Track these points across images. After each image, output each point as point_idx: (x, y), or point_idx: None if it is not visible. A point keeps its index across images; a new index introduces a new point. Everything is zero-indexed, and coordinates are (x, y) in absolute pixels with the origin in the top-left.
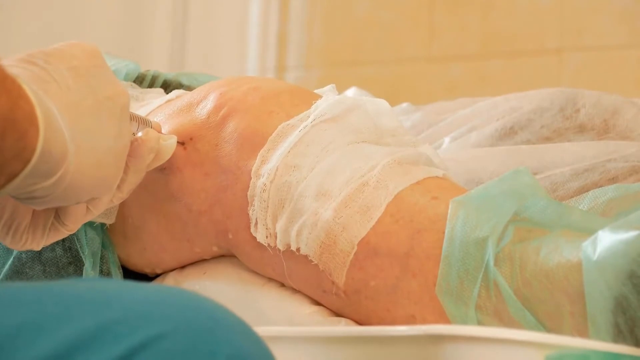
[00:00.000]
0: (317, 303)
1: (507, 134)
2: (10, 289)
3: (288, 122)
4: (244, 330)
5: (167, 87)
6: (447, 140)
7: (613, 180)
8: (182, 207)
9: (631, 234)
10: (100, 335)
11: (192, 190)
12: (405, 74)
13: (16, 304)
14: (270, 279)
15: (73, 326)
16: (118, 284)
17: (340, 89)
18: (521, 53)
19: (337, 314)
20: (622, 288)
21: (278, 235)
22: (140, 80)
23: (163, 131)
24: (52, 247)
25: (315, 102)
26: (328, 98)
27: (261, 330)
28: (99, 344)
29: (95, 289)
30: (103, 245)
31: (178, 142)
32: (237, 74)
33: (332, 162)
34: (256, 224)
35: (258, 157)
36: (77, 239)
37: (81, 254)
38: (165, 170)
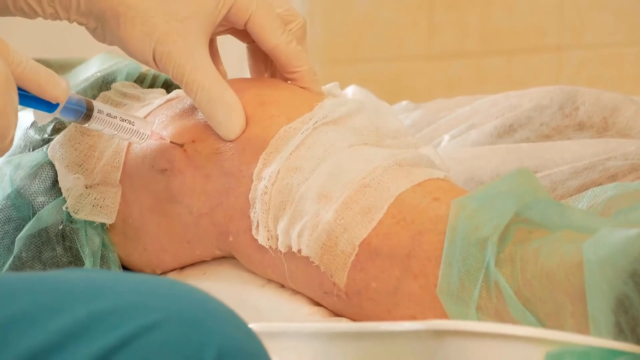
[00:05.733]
0: (318, 304)
1: (507, 132)
2: (2, 279)
3: (290, 125)
4: (235, 322)
5: (168, 86)
6: (446, 137)
7: (612, 178)
8: (183, 208)
9: (633, 231)
10: (92, 325)
11: (193, 192)
12: (405, 71)
13: (8, 295)
14: (270, 280)
15: (65, 316)
16: (110, 274)
17: (341, 87)
18: (521, 50)
19: (338, 316)
20: (624, 287)
21: (279, 237)
22: (141, 80)
23: (164, 134)
24: (52, 246)
25: (316, 105)
26: (330, 100)
27: (262, 326)
28: (90, 334)
29: (87, 279)
30: (103, 245)
31: (177, 144)
32: (237, 72)
33: (334, 164)
34: (257, 226)
35: (260, 159)
36: (77, 239)
37: (81, 254)
38: (166, 171)
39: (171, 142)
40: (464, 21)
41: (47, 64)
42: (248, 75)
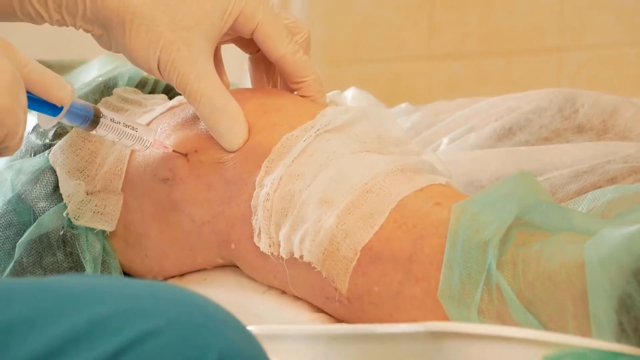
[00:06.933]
0: (319, 310)
1: (506, 135)
2: (2, 284)
3: (292, 132)
4: (236, 325)
5: (169, 91)
6: (445, 140)
7: (612, 181)
8: (185, 217)
9: (634, 228)
10: (93, 331)
11: (195, 200)
12: (405, 72)
13: (9, 299)
14: (271, 287)
15: (65, 321)
16: (111, 279)
17: (341, 87)
18: (521, 51)
19: (339, 321)
20: (627, 286)
21: (281, 243)
22: (142, 85)
23: (167, 143)
24: (53, 252)
25: (318, 113)
26: (332, 108)
27: (263, 328)
28: (91, 340)
29: (88, 284)
30: (104, 251)
31: (180, 153)
32: (237, 74)
33: (336, 171)
34: (259, 233)
35: (262, 167)
36: (78, 244)
37: (82, 259)
38: (168, 181)
39: (174, 151)
40: (464, 22)
41: (47, 65)
42: (248, 85)
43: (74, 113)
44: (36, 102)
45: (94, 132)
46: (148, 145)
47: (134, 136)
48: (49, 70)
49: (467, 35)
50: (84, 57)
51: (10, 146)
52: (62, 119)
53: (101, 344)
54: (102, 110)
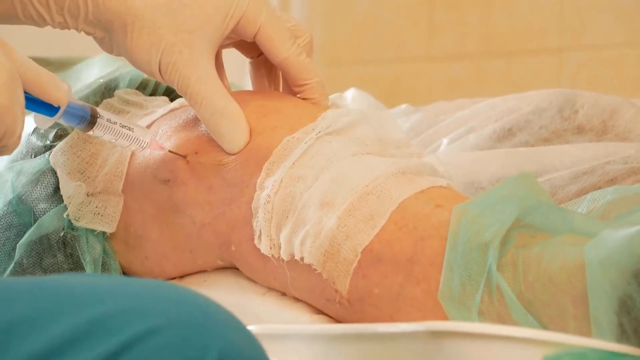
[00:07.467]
0: (319, 312)
1: (506, 136)
2: (2, 284)
3: (293, 135)
4: (236, 325)
5: (170, 93)
6: (445, 141)
7: (612, 181)
8: (186, 218)
9: (634, 230)
10: (92, 330)
11: (195, 202)
12: (405, 72)
13: (9, 299)
14: (271, 289)
15: (66, 321)
16: (111, 279)
17: (341, 88)
18: (521, 52)
19: (340, 323)
20: (627, 287)
21: (282, 245)
22: (143, 87)
23: (167, 145)
24: (53, 253)
25: (319, 116)
26: (333, 110)
27: (263, 328)
28: (91, 339)
29: (88, 283)
30: (104, 252)
31: (177, 154)
32: (238, 75)
33: (336, 172)
34: (260, 235)
35: (263, 169)
36: (79, 246)
37: (82, 261)
38: (169, 182)
39: (170, 151)
40: (464, 22)
41: (47, 62)
42: (249, 88)
43: (70, 113)
44: (33, 102)
45: (90, 132)
46: (145, 145)
47: (131, 136)
48: (44, 70)
49: (467, 35)
50: (85, 56)
51: (9, 145)
52: (59, 119)
53: (101, 344)
54: (99, 110)
